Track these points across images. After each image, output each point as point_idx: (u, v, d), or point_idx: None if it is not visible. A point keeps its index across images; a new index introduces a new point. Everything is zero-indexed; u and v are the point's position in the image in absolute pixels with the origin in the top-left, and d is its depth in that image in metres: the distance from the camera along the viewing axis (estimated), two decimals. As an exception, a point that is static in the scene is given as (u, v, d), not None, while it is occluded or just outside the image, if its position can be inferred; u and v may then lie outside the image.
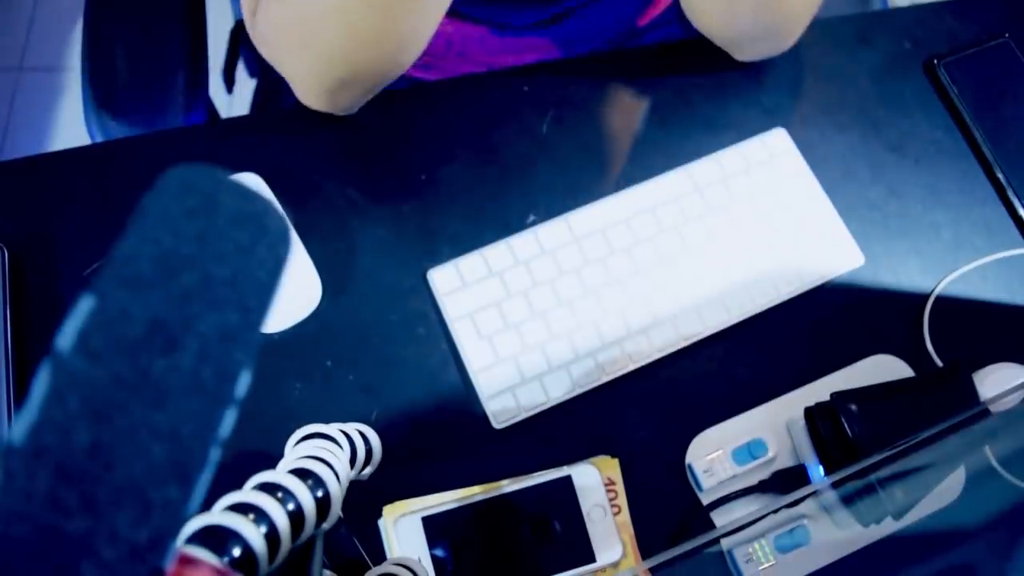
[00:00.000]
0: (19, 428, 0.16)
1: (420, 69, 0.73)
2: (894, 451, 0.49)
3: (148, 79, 0.73)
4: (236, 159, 0.61)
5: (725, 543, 0.52)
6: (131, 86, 0.73)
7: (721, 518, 0.53)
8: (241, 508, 0.32)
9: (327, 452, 0.41)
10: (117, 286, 0.18)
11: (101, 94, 0.71)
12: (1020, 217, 0.64)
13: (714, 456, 0.54)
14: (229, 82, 0.94)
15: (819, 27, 0.68)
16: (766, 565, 0.51)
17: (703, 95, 0.66)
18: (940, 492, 0.54)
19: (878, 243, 0.62)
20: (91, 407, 0.17)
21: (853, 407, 0.51)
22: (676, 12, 0.81)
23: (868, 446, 0.49)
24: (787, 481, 0.53)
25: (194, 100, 0.74)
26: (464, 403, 0.56)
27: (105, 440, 0.17)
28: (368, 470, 0.50)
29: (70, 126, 1.48)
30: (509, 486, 0.53)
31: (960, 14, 0.70)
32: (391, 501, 0.52)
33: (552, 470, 0.53)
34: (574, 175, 0.62)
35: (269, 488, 0.35)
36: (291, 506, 0.34)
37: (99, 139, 0.71)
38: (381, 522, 0.52)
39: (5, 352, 0.53)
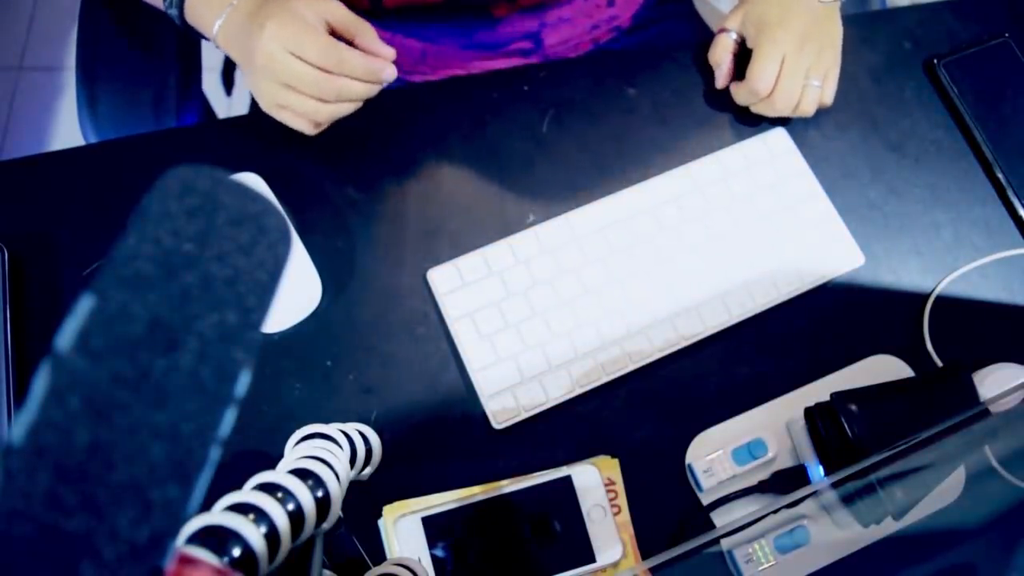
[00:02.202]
0: (19, 428, 0.16)
1: (402, 73, 0.74)
2: (894, 451, 0.48)
3: (140, 80, 0.73)
4: (236, 159, 0.61)
5: (725, 543, 0.52)
6: (123, 87, 0.73)
7: (721, 518, 0.53)
8: (241, 508, 0.32)
9: (327, 452, 0.41)
10: (117, 286, 0.18)
11: (94, 95, 0.71)
12: (1020, 217, 0.64)
13: (714, 456, 0.54)
14: (228, 84, 0.94)
15: (819, 27, 0.68)
16: (766, 565, 0.51)
17: (703, 95, 0.66)
18: (940, 492, 0.54)
19: (878, 243, 0.62)
20: (91, 407, 0.17)
21: (853, 407, 0.51)
22: (677, 11, 0.81)
23: (868, 446, 0.49)
24: (787, 481, 0.53)
25: (186, 101, 0.74)
26: (464, 403, 0.56)
27: (105, 440, 0.17)
28: (368, 470, 0.50)
29: (70, 126, 1.48)
30: (509, 486, 0.53)
31: (960, 14, 0.70)
32: (391, 501, 0.52)
33: (552, 470, 0.53)
34: (574, 175, 0.62)
35: (269, 488, 0.35)
36: (291, 506, 0.34)
37: (92, 140, 0.71)
38: (381, 522, 0.52)
39: (5, 352, 0.53)
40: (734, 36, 0.64)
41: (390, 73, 0.57)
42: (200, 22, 0.58)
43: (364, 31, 0.57)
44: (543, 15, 0.72)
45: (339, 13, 0.56)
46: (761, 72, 0.60)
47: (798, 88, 0.61)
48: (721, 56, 0.64)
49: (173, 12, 0.58)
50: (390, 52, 0.58)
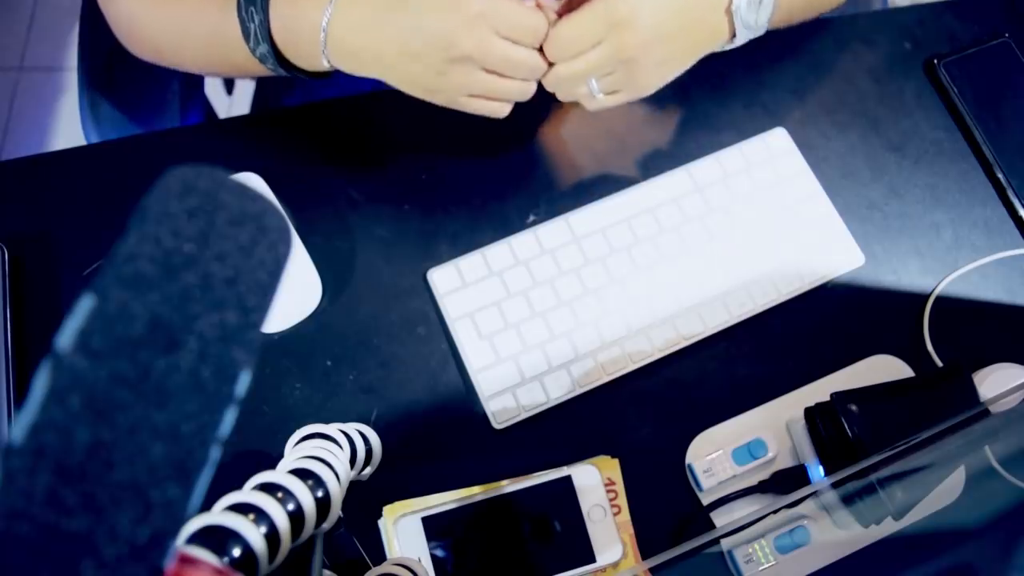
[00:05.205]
0: (19, 428, 0.16)
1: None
2: (894, 451, 0.48)
3: (144, 81, 0.73)
4: (236, 159, 0.61)
5: (725, 543, 0.52)
6: (127, 88, 0.73)
7: (721, 518, 0.53)
8: (241, 508, 0.32)
9: (327, 452, 0.41)
10: (117, 285, 0.18)
11: (97, 97, 0.71)
12: (1020, 217, 0.64)
13: (714, 456, 0.54)
14: (229, 83, 0.94)
15: (819, 26, 0.68)
16: (766, 565, 0.51)
17: (703, 95, 0.66)
18: (940, 492, 0.54)
19: (878, 243, 0.62)
20: (91, 407, 0.17)
21: (853, 407, 0.51)
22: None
23: (868, 446, 0.49)
24: (787, 481, 0.53)
25: (189, 102, 0.74)
26: (464, 403, 0.56)
27: (105, 440, 0.17)
28: (368, 470, 0.51)
29: (70, 126, 1.48)
30: (509, 486, 0.53)
31: (960, 14, 0.70)
32: (391, 501, 0.52)
33: (552, 470, 0.53)
34: (574, 175, 0.62)
35: (269, 488, 0.35)
36: (291, 506, 0.35)
37: (95, 140, 0.71)
38: (381, 522, 0.52)
39: (5, 352, 0.53)
40: None
41: None
42: (296, 32, 0.48)
43: None
44: None
45: None
46: (568, 33, 0.47)
47: (579, 87, 0.50)
48: None
49: (263, 49, 0.49)
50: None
